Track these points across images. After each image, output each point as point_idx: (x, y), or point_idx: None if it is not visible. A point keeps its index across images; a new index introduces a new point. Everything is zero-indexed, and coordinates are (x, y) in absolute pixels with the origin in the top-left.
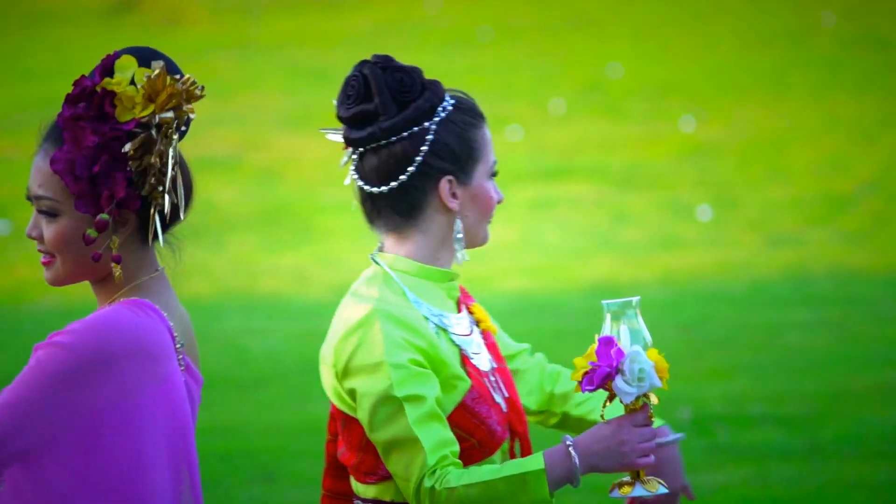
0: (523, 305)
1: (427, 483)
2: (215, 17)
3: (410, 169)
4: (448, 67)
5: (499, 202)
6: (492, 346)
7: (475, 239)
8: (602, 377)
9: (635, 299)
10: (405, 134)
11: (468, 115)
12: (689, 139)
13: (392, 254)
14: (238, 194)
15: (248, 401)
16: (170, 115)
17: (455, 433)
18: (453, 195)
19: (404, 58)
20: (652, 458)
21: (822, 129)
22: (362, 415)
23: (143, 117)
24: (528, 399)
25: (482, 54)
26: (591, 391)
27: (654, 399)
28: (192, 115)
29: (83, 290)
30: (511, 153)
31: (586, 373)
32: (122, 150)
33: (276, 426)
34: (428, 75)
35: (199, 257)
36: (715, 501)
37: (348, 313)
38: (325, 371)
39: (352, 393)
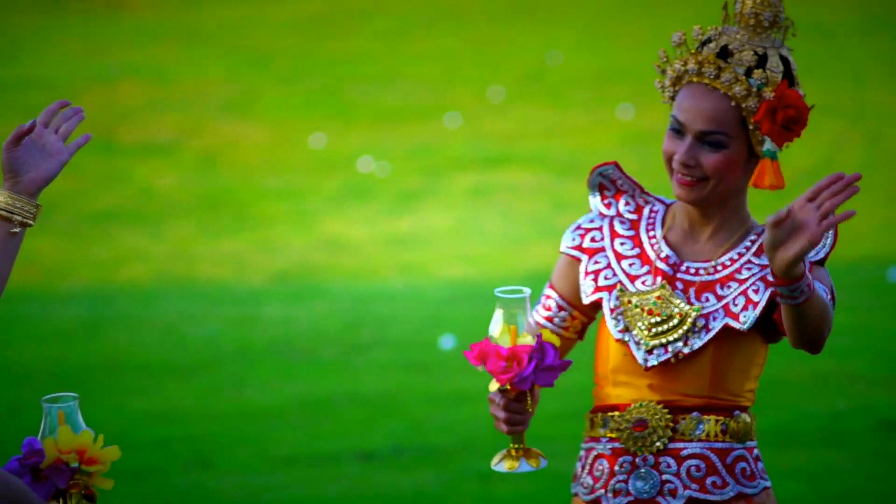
0: (463, 292)
1: None
2: (157, 2)
3: None
4: (389, 54)
5: None
6: None
7: None
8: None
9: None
10: None
11: None
12: (629, 126)
13: None
14: (177, 180)
15: (186, 387)
16: None
17: None
18: None
19: (344, 45)
20: None
21: None
22: None
23: None
24: None
25: (422, 41)
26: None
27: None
28: None
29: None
30: (450, 140)
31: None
32: None
33: (213, 412)
34: (368, 62)
35: (138, 243)
36: None
37: None
38: None
39: None
